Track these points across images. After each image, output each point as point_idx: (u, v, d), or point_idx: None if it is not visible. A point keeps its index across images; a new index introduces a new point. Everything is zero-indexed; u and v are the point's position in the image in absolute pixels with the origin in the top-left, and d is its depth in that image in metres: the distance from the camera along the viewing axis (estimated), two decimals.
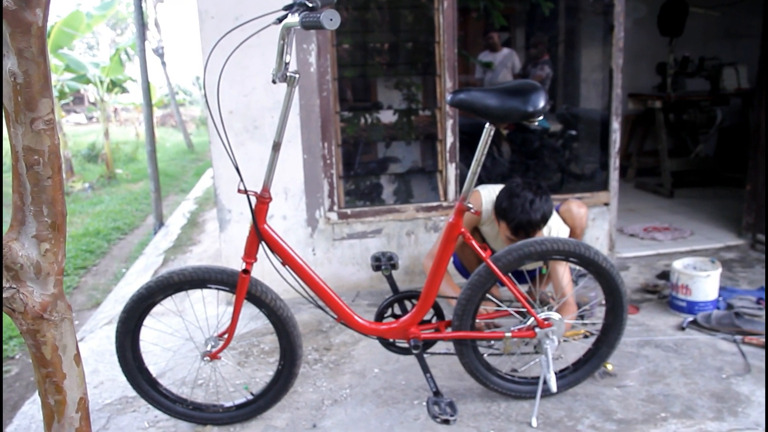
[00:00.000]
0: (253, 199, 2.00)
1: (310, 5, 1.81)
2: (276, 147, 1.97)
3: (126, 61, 10.22)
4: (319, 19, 1.62)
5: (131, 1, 6.15)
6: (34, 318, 1.18)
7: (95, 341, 3.10)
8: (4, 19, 1.01)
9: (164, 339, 2.73)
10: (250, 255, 2.05)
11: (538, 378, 2.28)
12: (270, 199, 2.02)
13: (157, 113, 17.87)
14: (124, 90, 11.69)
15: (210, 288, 2.10)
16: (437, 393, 2.20)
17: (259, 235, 2.02)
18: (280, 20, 1.81)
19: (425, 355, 2.27)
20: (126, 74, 10.68)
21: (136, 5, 5.37)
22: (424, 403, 2.33)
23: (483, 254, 2.08)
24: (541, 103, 1.94)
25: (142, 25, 5.41)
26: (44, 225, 1.15)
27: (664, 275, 3.43)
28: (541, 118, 1.99)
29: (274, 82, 1.86)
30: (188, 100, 22.03)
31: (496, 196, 2.62)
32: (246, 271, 2.03)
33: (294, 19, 1.74)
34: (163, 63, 14.01)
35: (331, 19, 1.62)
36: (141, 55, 5.43)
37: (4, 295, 1.16)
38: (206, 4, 3.11)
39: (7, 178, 8.75)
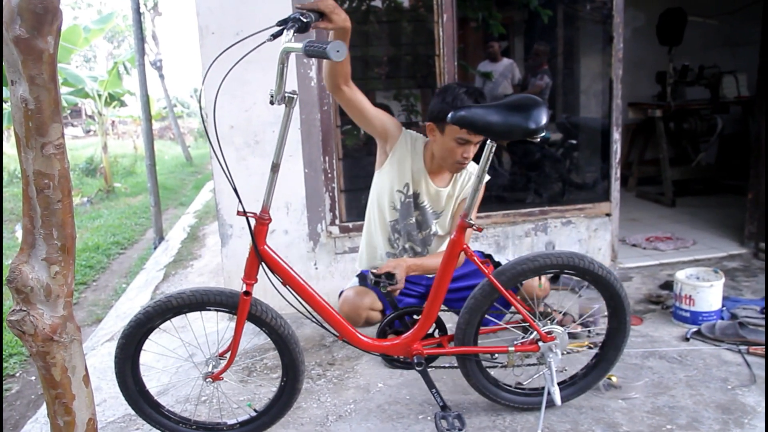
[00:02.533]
0: (253, 221, 1.97)
1: (305, 21, 1.79)
2: (275, 168, 1.94)
3: (124, 75, 10.24)
4: (326, 51, 1.59)
5: (128, 15, 6.18)
6: (44, 340, 1.18)
7: (97, 358, 3.08)
8: (17, 47, 1.02)
9: (166, 356, 2.72)
10: (250, 276, 2.02)
11: (542, 388, 2.27)
12: (270, 220, 2.00)
13: (155, 126, 17.91)
14: (122, 103, 11.72)
15: (210, 310, 2.08)
16: (445, 407, 2.19)
17: (259, 256, 2.00)
18: (274, 36, 1.79)
19: (429, 369, 2.26)
20: (124, 87, 10.71)
21: (135, 19, 5.39)
22: (429, 418, 2.33)
23: (486, 270, 2.07)
24: (544, 120, 1.91)
25: (141, 39, 5.42)
26: (54, 248, 1.15)
27: (668, 285, 3.43)
28: (543, 133, 1.96)
29: (272, 103, 1.83)
30: (186, 112, 22.09)
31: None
32: (247, 293, 2.01)
33: (295, 44, 1.70)
34: (161, 76, 14.10)
35: (338, 51, 1.61)
36: (140, 69, 5.44)
37: (14, 317, 1.16)
38: (207, 20, 3.12)
39: (8, 193, 8.75)
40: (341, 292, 2.62)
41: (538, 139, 1.95)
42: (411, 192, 2.54)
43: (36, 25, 1.03)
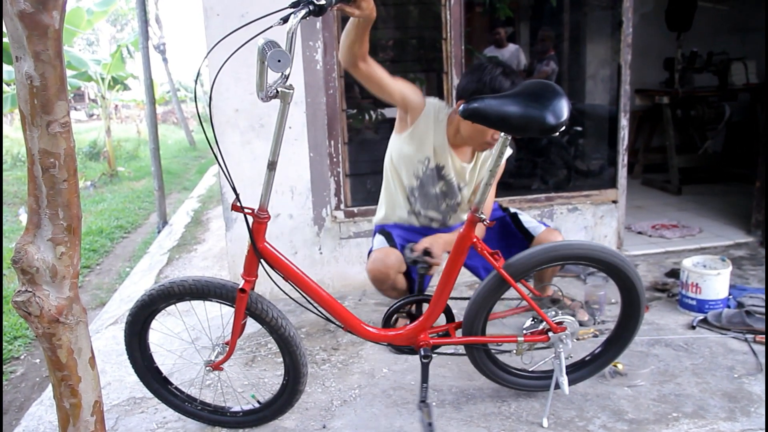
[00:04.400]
0: (250, 219, 1.92)
1: (319, 3, 1.70)
2: (271, 166, 1.85)
3: (127, 58, 10.19)
4: (266, 58, 1.56)
5: None
6: (50, 321, 1.17)
7: (101, 341, 3.08)
8: (21, 21, 1.00)
9: (171, 340, 2.72)
10: (249, 273, 1.98)
11: (550, 371, 2.26)
12: (268, 218, 1.94)
13: (159, 110, 17.83)
14: (125, 87, 11.67)
15: (211, 301, 2.07)
16: (424, 402, 2.15)
17: (258, 254, 1.95)
18: (284, 20, 1.70)
19: (434, 355, 2.24)
20: (127, 71, 10.66)
21: (139, 1, 5.34)
22: (435, 403, 2.32)
23: (496, 264, 2.04)
24: (565, 114, 1.76)
25: (145, 22, 5.37)
26: (60, 228, 1.13)
27: (674, 273, 3.41)
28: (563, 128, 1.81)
29: (264, 100, 1.72)
30: (189, 96, 22.00)
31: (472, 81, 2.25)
32: (243, 290, 1.97)
33: (261, 39, 1.64)
34: (165, 59, 14.02)
35: (279, 61, 1.55)
36: (144, 52, 5.39)
37: (19, 298, 1.15)
38: (211, 1, 3.09)
39: (11, 176, 8.74)
40: (370, 251, 2.54)
41: (557, 134, 1.82)
42: (433, 165, 2.45)
43: None
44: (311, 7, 1.69)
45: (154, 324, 2.17)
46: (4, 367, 3.23)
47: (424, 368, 2.18)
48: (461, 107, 1.87)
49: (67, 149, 1.10)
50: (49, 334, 1.19)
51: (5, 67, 7.67)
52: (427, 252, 2.24)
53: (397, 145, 2.49)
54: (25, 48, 1.02)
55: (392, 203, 2.63)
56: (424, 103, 2.37)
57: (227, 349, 2.15)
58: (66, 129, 1.09)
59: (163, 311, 2.15)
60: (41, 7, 1.01)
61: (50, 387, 2.72)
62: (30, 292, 1.15)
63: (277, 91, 1.70)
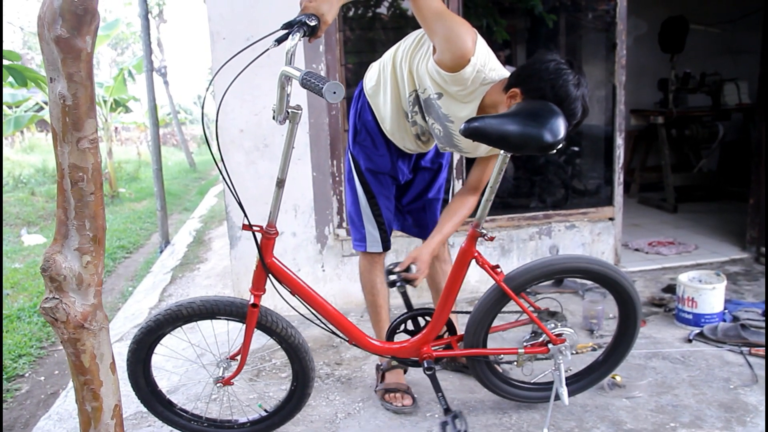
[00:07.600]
0: (259, 235, 1.98)
1: (312, 24, 1.75)
2: (280, 184, 1.92)
3: (128, 81, 10.30)
4: (322, 90, 1.52)
5: (133, 22, 6.24)
6: (75, 327, 1.23)
7: None
8: (57, 46, 1.07)
9: (177, 356, 2.75)
10: (258, 288, 2.02)
11: (550, 383, 2.30)
12: (276, 234, 1.99)
13: (160, 132, 17.93)
14: (127, 109, 11.78)
15: (220, 320, 2.09)
16: (447, 410, 2.20)
17: (266, 269, 2.00)
18: (278, 42, 1.77)
19: (437, 369, 2.29)
20: (129, 93, 10.77)
21: (143, 26, 5.44)
22: (437, 416, 2.36)
23: (496, 277, 2.10)
24: (562, 132, 1.77)
25: (149, 46, 5.47)
26: (86, 238, 1.20)
27: (670, 289, 3.47)
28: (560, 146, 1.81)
29: (275, 120, 1.79)
30: (189, 119, 22.15)
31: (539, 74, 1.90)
32: (255, 305, 2.01)
33: (294, 70, 1.65)
34: (166, 82, 14.17)
35: (335, 93, 1.52)
36: (148, 75, 5.49)
37: (47, 305, 1.21)
38: (218, 25, 3.18)
39: (12, 197, 8.79)
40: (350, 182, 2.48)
41: (554, 151, 1.82)
42: (445, 112, 2.11)
43: (76, 25, 1.09)
44: (305, 29, 1.76)
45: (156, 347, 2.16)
46: (9, 384, 3.27)
47: (433, 379, 2.24)
48: (462, 127, 1.83)
49: (94, 164, 1.17)
50: (74, 339, 1.25)
51: (6, 90, 7.76)
52: (408, 268, 2.16)
53: (417, 59, 2.12)
54: (59, 70, 1.09)
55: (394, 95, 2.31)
56: (468, 60, 1.92)
57: (231, 363, 2.18)
58: (94, 145, 1.17)
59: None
60: (76, 33, 1.09)
61: (57, 403, 2.77)
62: (57, 299, 1.22)
63: (288, 112, 1.78)
